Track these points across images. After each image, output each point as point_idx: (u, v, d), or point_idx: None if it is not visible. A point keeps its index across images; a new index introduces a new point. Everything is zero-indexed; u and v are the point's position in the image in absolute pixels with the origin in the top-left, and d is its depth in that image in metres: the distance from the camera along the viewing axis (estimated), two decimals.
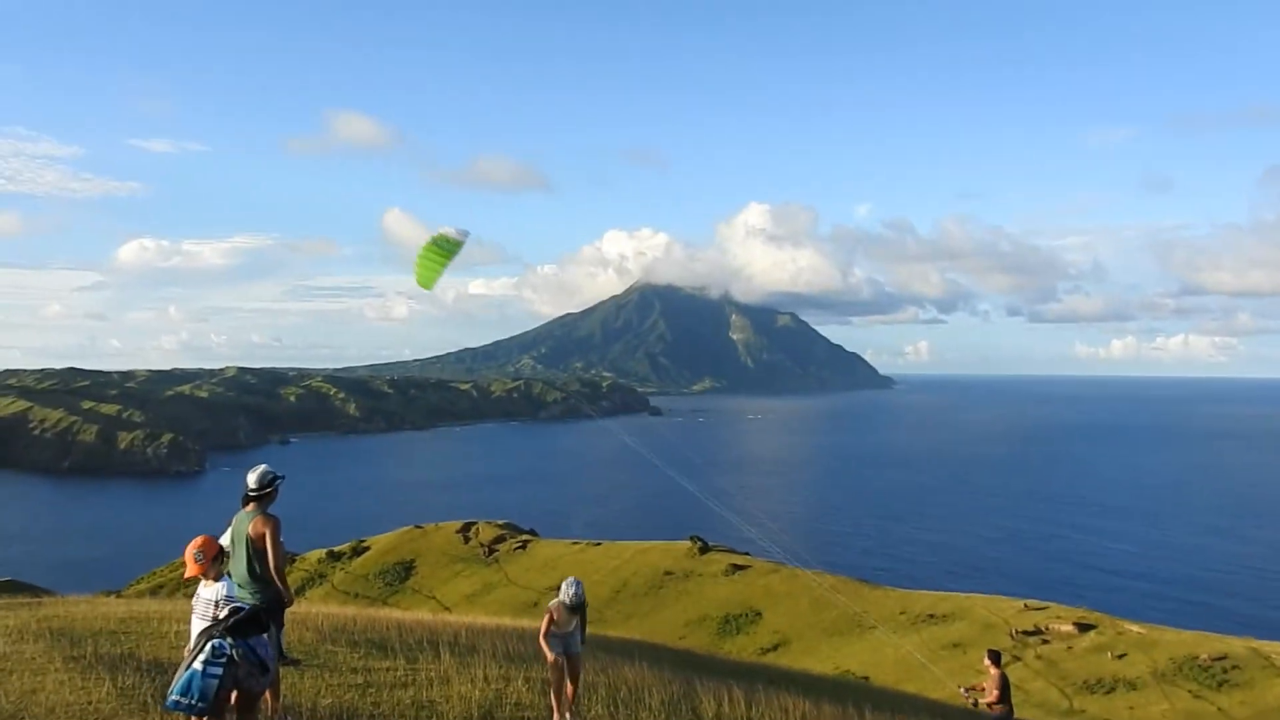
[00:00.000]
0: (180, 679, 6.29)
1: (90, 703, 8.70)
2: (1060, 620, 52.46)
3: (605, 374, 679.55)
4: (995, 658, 15.70)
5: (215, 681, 6.25)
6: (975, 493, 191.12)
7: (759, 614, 64.07)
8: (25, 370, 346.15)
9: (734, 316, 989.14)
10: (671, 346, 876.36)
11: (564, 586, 10.68)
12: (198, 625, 7.54)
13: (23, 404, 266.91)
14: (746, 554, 79.62)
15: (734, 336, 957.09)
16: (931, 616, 57.28)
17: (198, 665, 6.31)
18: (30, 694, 9.06)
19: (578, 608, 10.53)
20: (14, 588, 53.80)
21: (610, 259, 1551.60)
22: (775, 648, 57.83)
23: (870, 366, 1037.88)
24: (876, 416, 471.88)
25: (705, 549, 76.40)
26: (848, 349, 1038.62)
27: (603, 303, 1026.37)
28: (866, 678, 43.45)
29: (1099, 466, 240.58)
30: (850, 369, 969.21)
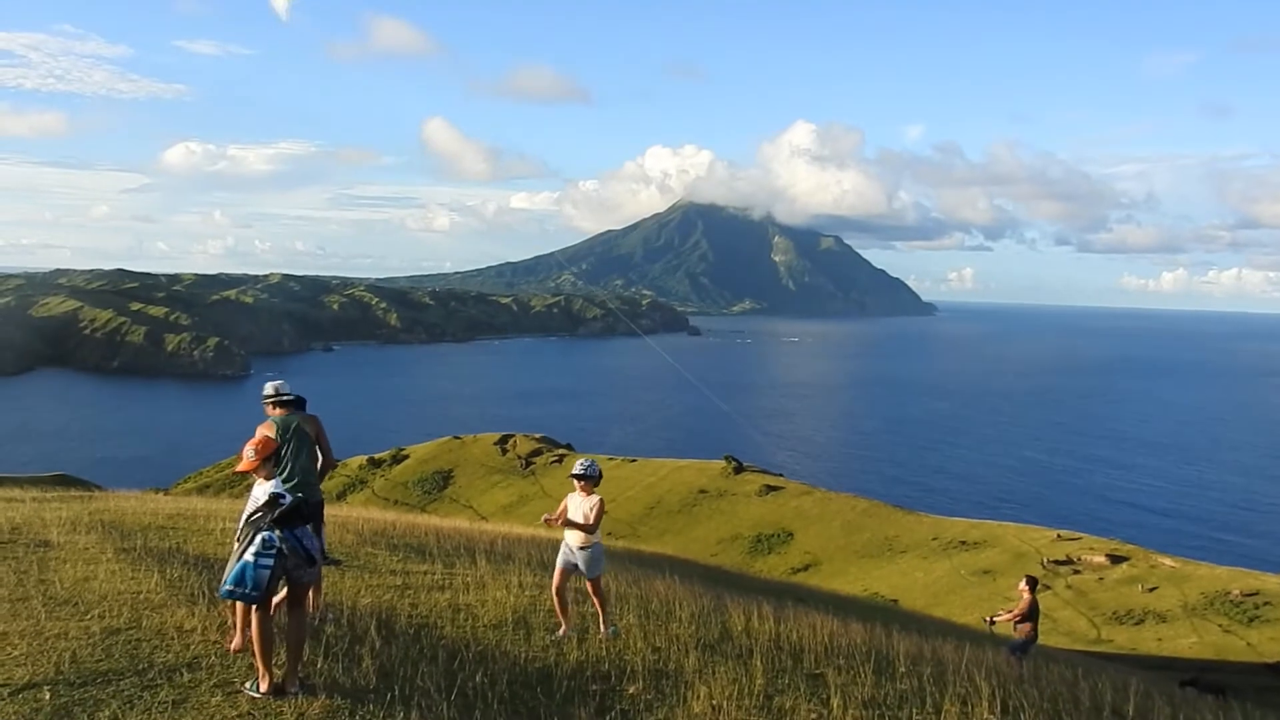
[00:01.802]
0: (233, 570, 6.50)
1: (140, 592, 9.00)
2: (1093, 551, 52.51)
3: (645, 292, 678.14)
4: (1032, 583, 15.72)
5: (267, 572, 6.46)
6: (1010, 424, 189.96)
7: (790, 535, 64.74)
8: (75, 270, 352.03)
9: (776, 238, 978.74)
10: (713, 266, 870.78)
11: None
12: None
13: (73, 303, 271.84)
14: (780, 475, 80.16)
15: (776, 258, 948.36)
16: (963, 543, 57.56)
17: (249, 556, 6.51)
18: (83, 581, 9.39)
19: (586, 477, 9.14)
20: (66, 481, 55.48)
21: (653, 176, 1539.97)
22: (805, 568, 58.53)
23: (913, 292, 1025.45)
24: (916, 344, 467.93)
25: (739, 469, 76.99)
26: (891, 274, 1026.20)
27: (644, 220, 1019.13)
28: (895, 601, 43.94)
29: (1140, 401, 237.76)
30: (892, 294, 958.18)
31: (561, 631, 9.17)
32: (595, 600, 9.53)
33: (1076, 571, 49.97)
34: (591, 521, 9.10)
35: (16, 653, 6.99)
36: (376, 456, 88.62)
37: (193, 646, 7.41)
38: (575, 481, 9.37)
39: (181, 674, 6.84)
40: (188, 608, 8.44)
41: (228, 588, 6.50)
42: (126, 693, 6.42)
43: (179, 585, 9.35)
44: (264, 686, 6.57)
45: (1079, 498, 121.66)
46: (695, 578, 16.84)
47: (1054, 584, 47.69)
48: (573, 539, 9.20)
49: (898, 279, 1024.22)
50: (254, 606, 6.57)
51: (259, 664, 6.62)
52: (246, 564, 6.48)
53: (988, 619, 17.25)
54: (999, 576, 49.57)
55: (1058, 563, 51.28)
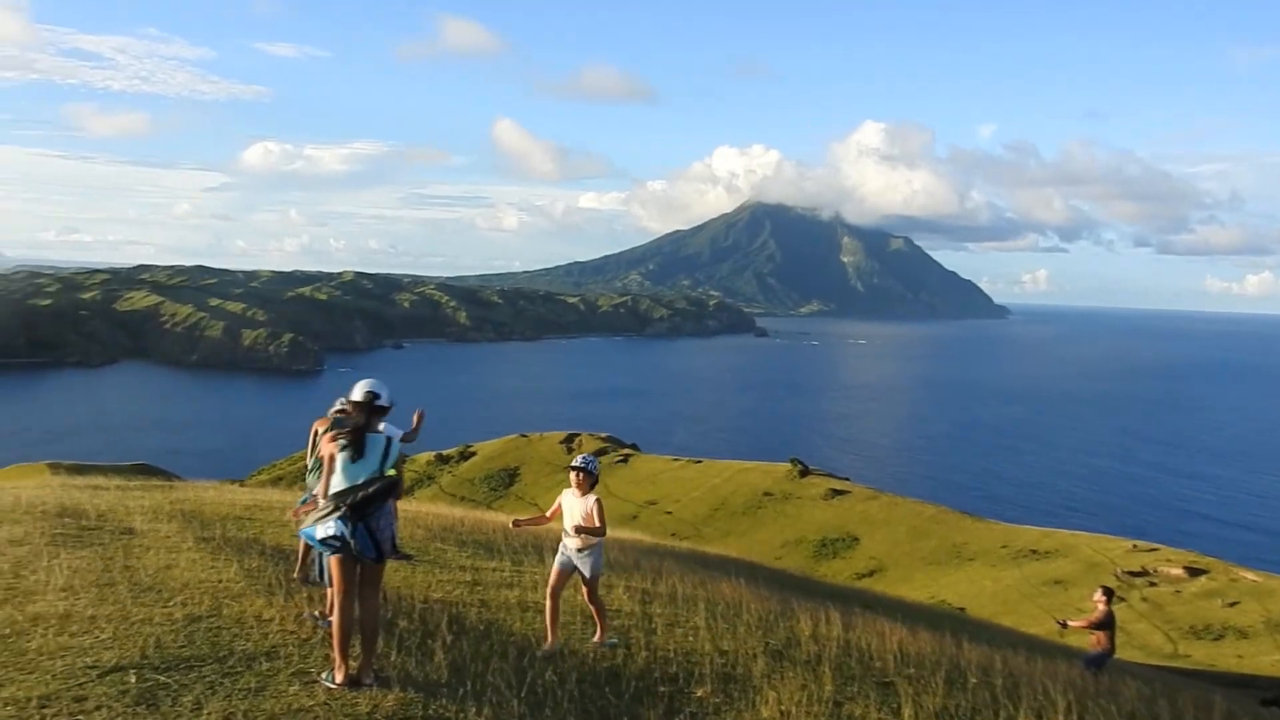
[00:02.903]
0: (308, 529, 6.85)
1: (220, 581, 9.24)
2: (1170, 563, 51.07)
3: (713, 293, 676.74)
4: (1108, 594, 15.32)
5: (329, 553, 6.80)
6: (1082, 430, 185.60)
7: (856, 539, 64.07)
8: (157, 266, 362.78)
9: (845, 239, 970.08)
10: (780, 267, 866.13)
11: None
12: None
13: (155, 298, 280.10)
14: (846, 479, 79.40)
15: (844, 259, 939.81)
16: (1034, 552, 56.39)
17: (319, 535, 6.79)
18: (165, 569, 9.66)
19: (586, 471, 8.52)
20: (146, 471, 57.09)
21: (720, 176, 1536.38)
22: (871, 574, 57.87)
23: (985, 295, 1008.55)
24: (987, 347, 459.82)
25: (805, 472, 76.40)
26: (962, 275, 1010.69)
27: (712, 220, 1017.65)
28: (963, 609, 43.20)
29: (1219, 409, 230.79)
30: (964, 297, 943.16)
31: (548, 644, 8.39)
32: (593, 608, 8.86)
33: (1152, 584, 48.62)
34: (597, 524, 8.46)
35: (104, 636, 7.22)
36: (444, 453, 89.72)
37: (271, 636, 7.58)
38: (572, 475, 8.69)
39: (260, 662, 7.01)
40: (266, 597, 8.63)
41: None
42: (208, 679, 6.59)
43: (257, 575, 9.57)
44: (339, 678, 6.70)
45: (1152, 508, 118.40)
46: (761, 580, 16.75)
47: (1129, 596, 46.47)
48: (572, 541, 8.62)
49: (969, 281, 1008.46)
50: (337, 595, 6.80)
51: (335, 654, 6.75)
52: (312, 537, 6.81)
53: (1061, 621, 16.91)
54: (1071, 587, 48.45)
55: (1133, 574, 49.94)
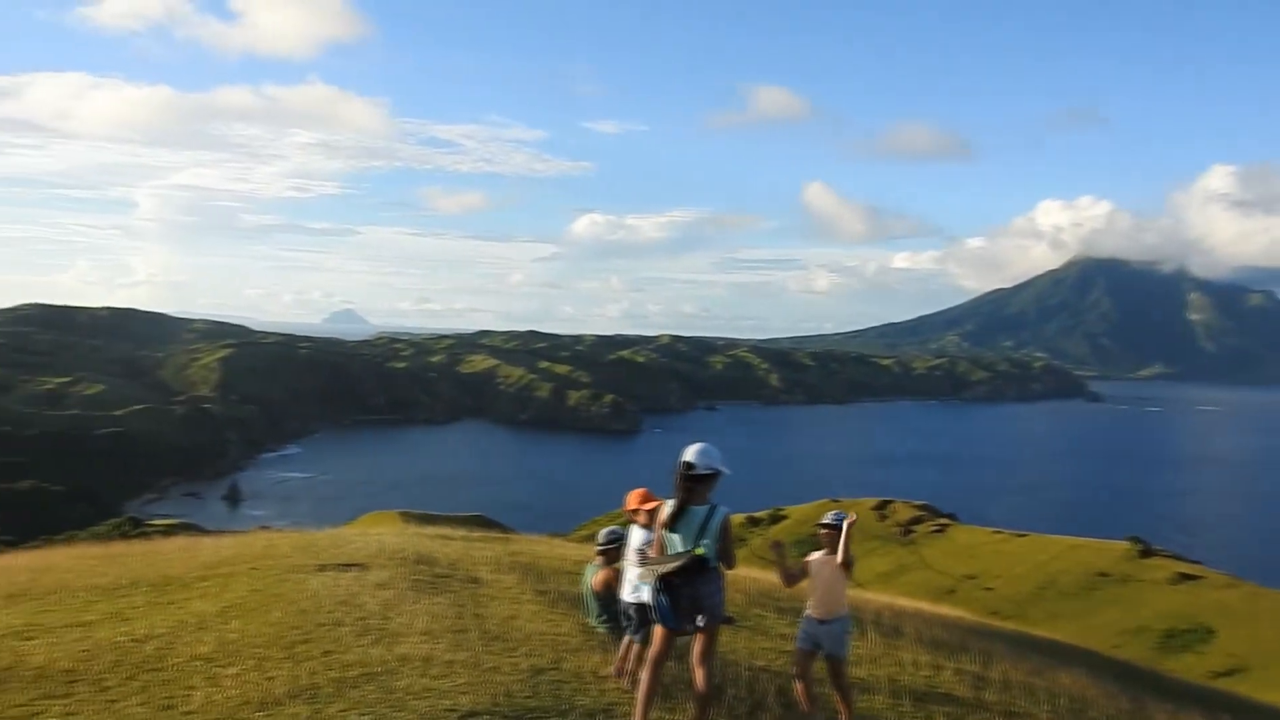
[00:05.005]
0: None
1: (559, 635, 9.74)
2: None
3: (1038, 355, 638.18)
4: None
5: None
6: None
7: (1210, 632, 57.22)
8: (495, 331, 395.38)
9: (1192, 294, 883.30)
10: (1115, 327, 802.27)
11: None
12: (629, 570, 8.43)
13: (492, 361, 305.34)
14: (1197, 562, 71.44)
15: (1192, 317, 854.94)
16: None
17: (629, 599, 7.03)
18: (510, 620, 10.33)
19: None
20: (484, 523, 61.66)
21: (1044, 231, 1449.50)
22: (1230, 673, 51.31)
23: None
24: None
25: (1147, 552, 69.58)
26: None
27: (1037, 278, 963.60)
28: None
29: None
30: None
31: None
32: (839, 694, 8.01)
33: None
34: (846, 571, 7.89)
35: (460, 681, 7.80)
36: (755, 515, 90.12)
37: (608, 693, 7.88)
38: (823, 534, 8.14)
39: (599, 718, 7.30)
40: (601, 654, 9.00)
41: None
42: None
43: (591, 631, 10.01)
44: None
45: None
46: (1104, 672, 15.35)
47: None
48: (815, 608, 8.03)
49: None
50: (650, 658, 7.01)
51: (636, 716, 6.99)
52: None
53: None
54: None
55: None
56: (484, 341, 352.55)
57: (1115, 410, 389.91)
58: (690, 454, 7.22)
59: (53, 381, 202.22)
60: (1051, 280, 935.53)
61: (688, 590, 6.95)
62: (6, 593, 11.63)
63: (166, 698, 7.35)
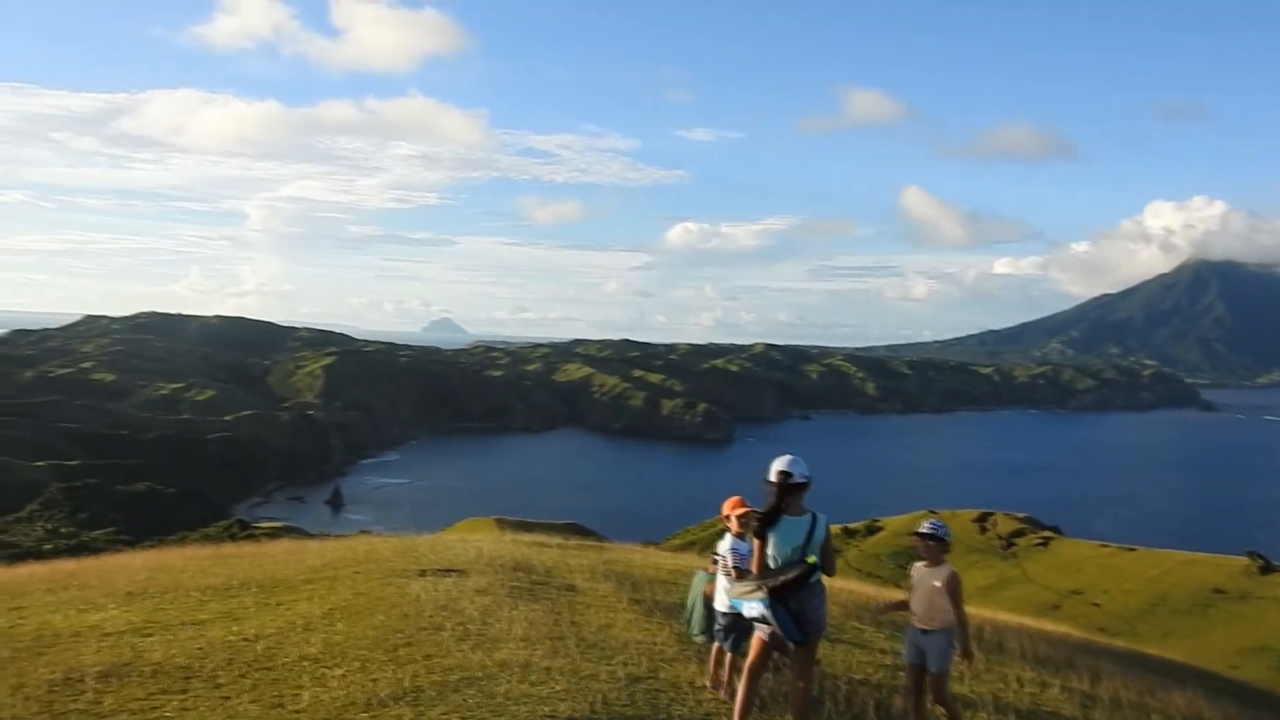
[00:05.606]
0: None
1: (655, 644, 9.77)
2: None
3: (1147, 362, 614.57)
4: None
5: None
6: None
7: None
8: (590, 340, 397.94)
9: None
10: (1230, 332, 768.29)
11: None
12: (720, 577, 8.34)
13: (587, 370, 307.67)
14: None
15: None
16: None
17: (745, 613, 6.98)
18: (606, 628, 10.39)
19: (936, 539, 7.68)
20: (578, 531, 62.26)
21: (1153, 233, 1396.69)
22: None
23: None
24: None
25: (1267, 568, 66.37)
26: None
27: (1146, 282, 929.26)
28: None
29: None
30: None
31: None
32: (944, 709, 7.90)
33: None
34: (949, 605, 7.69)
35: (558, 688, 7.88)
36: (851, 526, 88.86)
37: (705, 704, 7.88)
38: (920, 544, 7.92)
39: None
40: (698, 665, 8.99)
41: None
42: None
43: (687, 641, 10.00)
44: None
45: None
46: (1222, 694, 14.71)
47: None
48: (918, 619, 7.89)
49: None
50: (746, 670, 6.97)
51: None
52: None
53: None
54: None
55: None
56: (579, 350, 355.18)
57: (1230, 419, 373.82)
58: (784, 463, 7.20)
59: (167, 387, 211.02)
60: (1162, 285, 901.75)
61: (794, 602, 6.91)
62: (126, 590, 12.17)
63: (276, 696, 7.60)
